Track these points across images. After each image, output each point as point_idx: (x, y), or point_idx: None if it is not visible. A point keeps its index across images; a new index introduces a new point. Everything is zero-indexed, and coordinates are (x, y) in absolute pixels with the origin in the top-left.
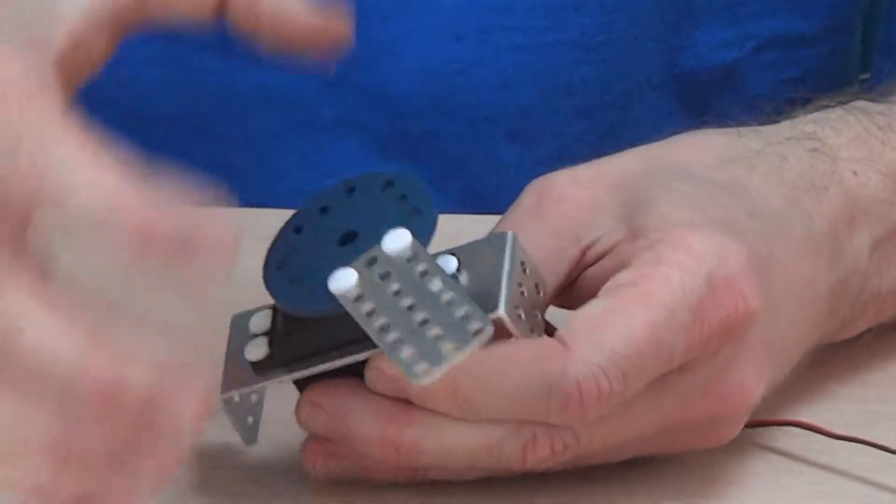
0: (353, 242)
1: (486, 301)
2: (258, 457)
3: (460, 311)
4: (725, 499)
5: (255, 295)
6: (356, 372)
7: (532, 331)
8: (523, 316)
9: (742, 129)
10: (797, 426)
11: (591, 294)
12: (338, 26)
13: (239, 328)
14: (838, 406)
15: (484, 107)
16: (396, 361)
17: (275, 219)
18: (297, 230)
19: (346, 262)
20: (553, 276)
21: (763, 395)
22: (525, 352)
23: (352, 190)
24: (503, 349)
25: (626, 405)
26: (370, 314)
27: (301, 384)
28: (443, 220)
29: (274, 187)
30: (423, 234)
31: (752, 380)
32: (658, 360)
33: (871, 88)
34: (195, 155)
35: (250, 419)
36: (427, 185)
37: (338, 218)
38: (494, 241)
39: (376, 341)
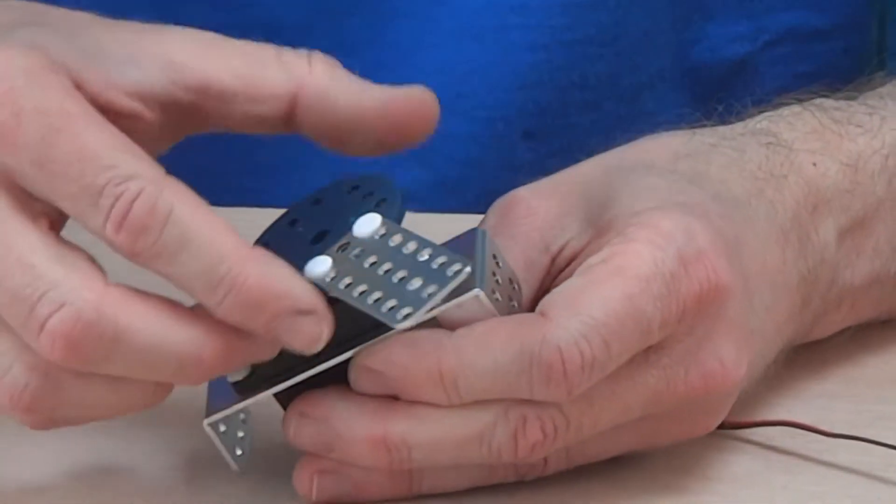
0: (325, 239)
1: (462, 286)
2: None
3: (438, 261)
4: (723, 497)
5: None
6: (341, 380)
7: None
8: (500, 299)
9: (696, 129)
10: (792, 426)
11: None
12: (420, 110)
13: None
14: (836, 405)
15: (500, 107)
16: (378, 315)
17: (271, 218)
18: (266, 244)
19: (319, 254)
20: (526, 286)
21: (745, 380)
22: (504, 325)
23: (318, 201)
24: (482, 326)
25: (611, 384)
26: (349, 287)
27: (286, 401)
28: (450, 219)
29: (301, 183)
30: (391, 214)
31: (732, 356)
32: (637, 330)
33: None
34: (219, 153)
35: (239, 451)
36: (392, 179)
37: (307, 225)
38: (465, 237)
39: (356, 305)
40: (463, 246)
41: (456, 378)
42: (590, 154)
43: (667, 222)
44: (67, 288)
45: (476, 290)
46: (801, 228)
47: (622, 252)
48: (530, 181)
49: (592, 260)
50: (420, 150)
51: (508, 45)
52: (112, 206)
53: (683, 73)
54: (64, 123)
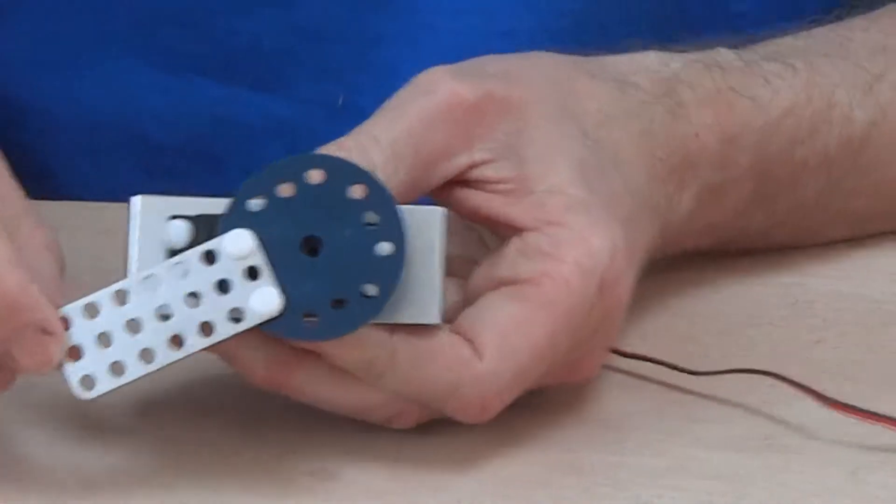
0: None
1: (421, 308)
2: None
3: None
4: (722, 490)
5: None
6: None
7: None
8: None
9: (630, 83)
10: (653, 362)
11: (494, 233)
12: None
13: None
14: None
15: None
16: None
17: None
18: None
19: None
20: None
21: None
22: (442, 354)
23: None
24: (424, 347)
25: None
26: None
27: None
28: None
29: None
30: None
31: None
32: (551, 360)
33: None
34: (199, 182)
35: None
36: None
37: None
38: (420, 222)
39: None
40: (420, 227)
41: (384, 375)
42: None
43: (596, 239)
44: None
45: (436, 322)
46: (669, 202)
47: (552, 277)
48: None
49: (522, 273)
50: None
51: None
52: None
53: None
54: None
